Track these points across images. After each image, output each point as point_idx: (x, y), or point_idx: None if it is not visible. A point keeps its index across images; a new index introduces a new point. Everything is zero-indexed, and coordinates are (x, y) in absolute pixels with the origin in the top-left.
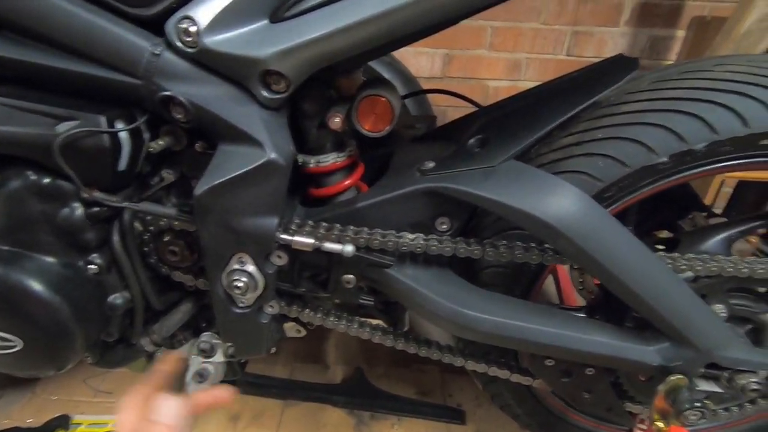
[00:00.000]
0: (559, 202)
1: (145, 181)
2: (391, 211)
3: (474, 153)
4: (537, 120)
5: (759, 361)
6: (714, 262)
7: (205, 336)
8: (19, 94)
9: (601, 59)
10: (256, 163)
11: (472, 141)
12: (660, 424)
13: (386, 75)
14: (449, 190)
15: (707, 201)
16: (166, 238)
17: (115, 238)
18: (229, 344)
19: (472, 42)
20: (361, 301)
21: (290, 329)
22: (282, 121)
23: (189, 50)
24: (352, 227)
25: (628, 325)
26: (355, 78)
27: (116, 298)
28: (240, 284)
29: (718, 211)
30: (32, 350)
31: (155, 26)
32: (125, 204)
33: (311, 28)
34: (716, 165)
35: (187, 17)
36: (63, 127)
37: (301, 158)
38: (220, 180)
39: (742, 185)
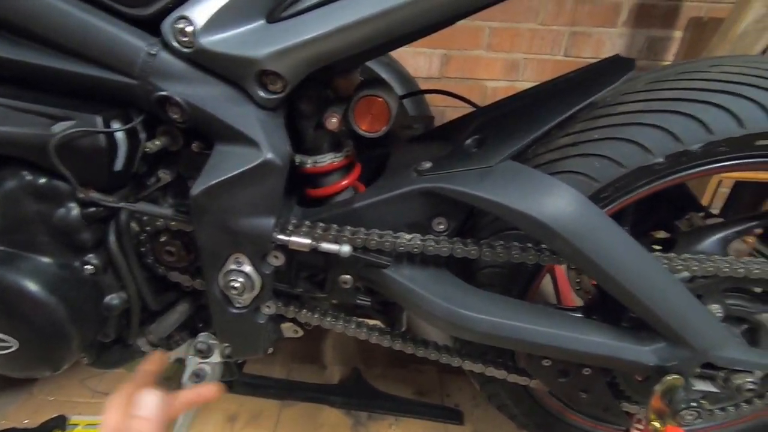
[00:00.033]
0: (556, 202)
1: (141, 182)
2: (388, 212)
3: (471, 153)
4: (534, 120)
5: (755, 361)
6: (710, 263)
7: (202, 336)
8: (15, 94)
9: (599, 59)
10: (253, 164)
11: (469, 141)
12: (656, 424)
13: (384, 75)
14: (446, 190)
15: (704, 201)
16: (163, 239)
17: (112, 238)
18: (226, 345)
19: (470, 42)
20: (359, 301)
21: (287, 329)
22: (279, 121)
23: (185, 50)
24: (349, 227)
25: (625, 325)
26: (353, 78)
27: (113, 299)
28: (237, 284)
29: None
30: (28, 351)
31: (151, 26)
32: (122, 204)
33: (308, 28)
34: (712, 165)
35: (184, 17)
36: (59, 128)
37: (298, 158)
38: (217, 180)
39: (739, 185)
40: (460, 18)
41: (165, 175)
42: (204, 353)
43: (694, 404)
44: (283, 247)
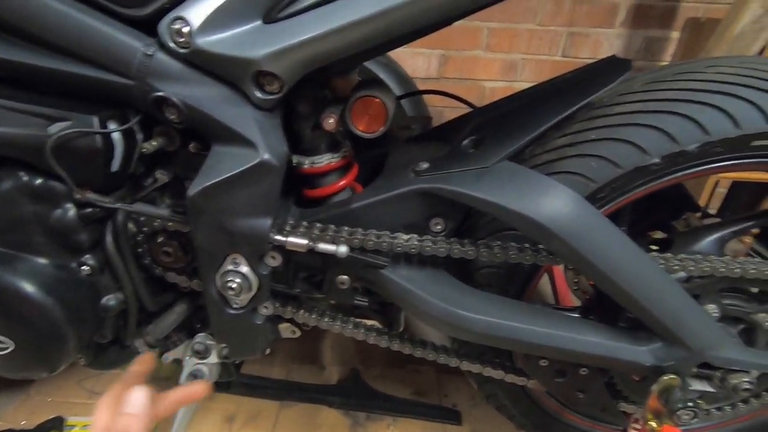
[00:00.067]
0: (552, 202)
1: (138, 182)
2: (386, 212)
3: (468, 154)
4: (531, 121)
5: (751, 361)
6: (706, 263)
7: (200, 337)
8: (11, 95)
9: (596, 60)
10: (250, 164)
11: (466, 142)
12: (653, 424)
13: (382, 75)
14: (443, 190)
15: (702, 202)
16: (160, 239)
17: (109, 239)
18: (224, 345)
19: (468, 43)
20: (356, 301)
21: (285, 330)
22: (276, 121)
23: (182, 51)
24: (346, 228)
25: (622, 325)
26: (350, 79)
27: (109, 300)
28: (234, 285)
29: (713, 211)
30: (24, 352)
31: (148, 27)
32: (118, 205)
33: (305, 29)
34: (709, 166)
35: (180, 18)
36: (55, 128)
37: (295, 159)
38: (214, 181)
39: (736, 186)
40: (458, 18)
41: (162, 176)
42: (201, 354)
43: (691, 404)
44: (281, 248)
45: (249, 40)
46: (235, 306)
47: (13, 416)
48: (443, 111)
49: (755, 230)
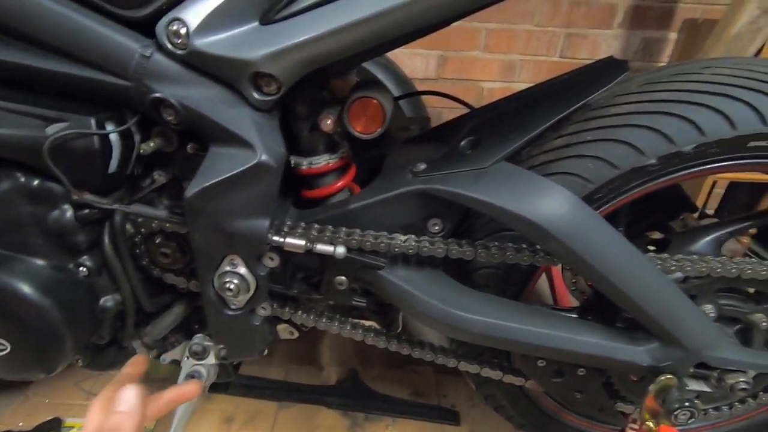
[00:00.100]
0: (549, 203)
1: (136, 183)
2: (383, 213)
3: (466, 154)
4: (528, 122)
5: (748, 361)
6: (703, 263)
7: (198, 338)
8: (8, 96)
9: (594, 61)
10: (247, 165)
11: (463, 142)
12: (650, 424)
13: (380, 76)
14: (440, 191)
15: (699, 202)
16: (158, 240)
17: (106, 240)
18: (221, 346)
19: (466, 43)
20: (354, 302)
21: (283, 331)
22: (273, 122)
23: (179, 52)
24: (344, 229)
25: (620, 325)
26: (348, 79)
27: (107, 301)
28: (231, 286)
29: (710, 212)
30: (21, 353)
31: (145, 28)
32: (116, 206)
33: (302, 30)
34: (705, 166)
35: (178, 19)
36: (53, 129)
37: (293, 160)
38: (211, 182)
39: (733, 186)
40: (456, 20)
41: (160, 177)
42: (199, 355)
43: (688, 404)
44: (278, 249)
45: (246, 42)
46: (233, 307)
47: (10, 418)
48: (441, 112)
49: (753, 230)
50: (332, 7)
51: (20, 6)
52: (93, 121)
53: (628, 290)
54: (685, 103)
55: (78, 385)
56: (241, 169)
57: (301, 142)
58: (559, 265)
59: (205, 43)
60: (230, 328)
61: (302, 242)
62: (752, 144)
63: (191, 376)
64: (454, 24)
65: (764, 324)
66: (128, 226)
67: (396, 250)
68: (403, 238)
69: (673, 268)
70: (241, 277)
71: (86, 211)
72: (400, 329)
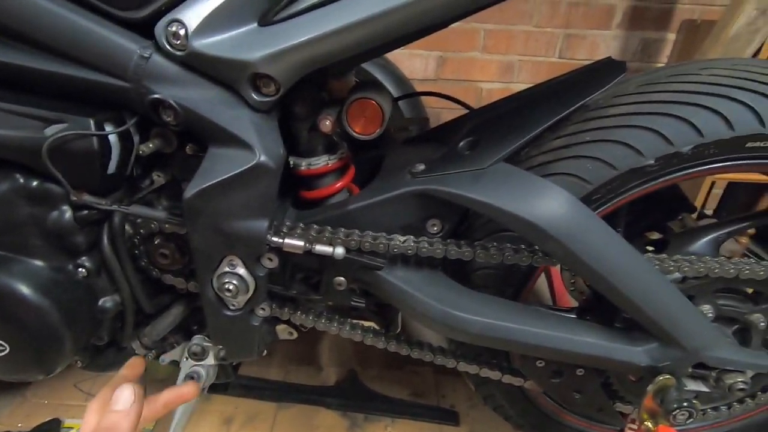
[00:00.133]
0: (547, 204)
1: (135, 184)
2: (382, 214)
3: (464, 155)
4: (526, 123)
5: (746, 361)
6: (701, 263)
7: (197, 339)
8: (7, 97)
9: (592, 61)
10: (246, 166)
11: (462, 143)
12: (649, 424)
13: (379, 77)
14: (439, 192)
15: (698, 202)
16: (157, 241)
17: (105, 241)
18: (221, 347)
19: (465, 44)
20: (353, 303)
21: (282, 331)
22: (272, 123)
23: (178, 53)
24: (343, 229)
25: (618, 326)
26: (347, 80)
27: (106, 302)
28: (230, 287)
29: (709, 212)
30: (19, 354)
31: (144, 29)
32: (115, 207)
33: (301, 32)
34: (703, 167)
35: (176, 20)
36: (52, 130)
37: (292, 160)
38: (210, 183)
39: (732, 187)
40: (455, 21)
41: (159, 178)
42: (198, 356)
43: (686, 404)
44: (277, 250)
45: (245, 43)
46: (232, 308)
47: (9, 419)
48: (440, 112)
49: (751, 231)
50: (331, 8)
51: (19, 7)
52: (92, 122)
53: (627, 291)
54: (683, 104)
55: (77, 386)
56: (240, 170)
57: (300, 143)
58: (558, 266)
59: (204, 44)
60: (229, 328)
61: (301, 243)
62: (750, 145)
63: (190, 376)
64: (453, 25)
65: (762, 324)
66: (127, 227)
67: (395, 250)
68: (401, 238)
69: (672, 268)
70: (240, 277)
71: (85, 212)
72: (399, 330)
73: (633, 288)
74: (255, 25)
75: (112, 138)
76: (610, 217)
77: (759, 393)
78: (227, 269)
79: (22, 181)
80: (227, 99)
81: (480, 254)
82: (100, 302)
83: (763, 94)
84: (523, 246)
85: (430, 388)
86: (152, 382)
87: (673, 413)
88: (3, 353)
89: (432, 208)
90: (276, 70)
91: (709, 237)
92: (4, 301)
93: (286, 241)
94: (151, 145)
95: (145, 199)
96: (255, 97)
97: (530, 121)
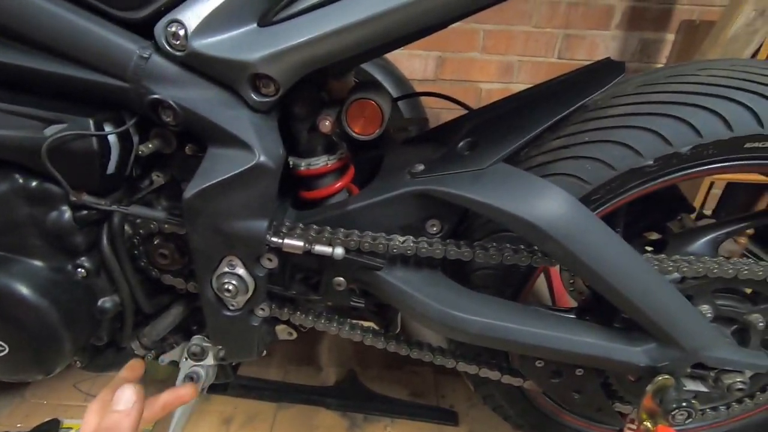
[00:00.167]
0: (546, 204)
1: (134, 184)
2: (382, 214)
3: (464, 156)
4: (526, 123)
5: (745, 361)
6: (700, 264)
7: (196, 339)
8: (7, 97)
9: (591, 62)
10: (246, 166)
11: (461, 144)
12: (648, 424)
13: (379, 77)
14: (438, 192)
15: (697, 203)
16: (156, 241)
17: (105, 241)
18: (220, 347)
19: (464, 45)
20: (353, 303)
21: (282, 332)
22: (272, 123)
23: (178, 54)
24: (342, 230)
25: (618, 326)
26: (347, 81)
27: (105, 302)
28: (230, 287)
29: (708, 213)
30: (19, 355)
31: (144, 29)
32: (114, 207)
33: (300, 32)
34: (702, 167)
35: (176, 20)
36: (51, 130)
37: (292, 161)
38: (210, 183)
39: (730, 187)
40: (454, 21)
41: (158, 178)
42: (198, 356)
43: (685, 404)
44: (277, 250)
45: (245, 43)
46: (231, 308)
47: (8, 419)
48: (440, 113)
49: (750, 231)
50: (331, 8)
51: (19, 7)
52: (91, 123)
53: (626, 291)
54: (682, 105)
55: (76, 386)
56: (240, 170)
57: (299, 143)
58: (557, 266)
59: (204, 44)
60: (229, 329)
61: (301, 243)
62: (749, 145)
63: (190, 377)
64: (453, 25)
65: (761, 324)
66: (127, 227)
67: (394, 251)
68: (401, 239)
69: (671, 268)
70: (239, 278)
71: (84, 212)
72: (398, 330)
73: (632, 288)
74: (254, 25)
75: (112, 138)
76: (609, 217)
77: (758, 393)
78: (227, 269)
79: (21, 181)
80: (227, 99)
81: (479, 254)
82: (100, 302)
83: (761, 95)
84: (522, 246)
85: (430, 388)
86: (152, 382)
87: (672, 413)
88: (2, 353)
89: (431, 208)
90: (275, 71)
91: (708, 237)
92: (4, 302)
93: (286, 241)
94: (150, 146)
95: (145, 200)
96: (254, 97)
97: (530, 122)
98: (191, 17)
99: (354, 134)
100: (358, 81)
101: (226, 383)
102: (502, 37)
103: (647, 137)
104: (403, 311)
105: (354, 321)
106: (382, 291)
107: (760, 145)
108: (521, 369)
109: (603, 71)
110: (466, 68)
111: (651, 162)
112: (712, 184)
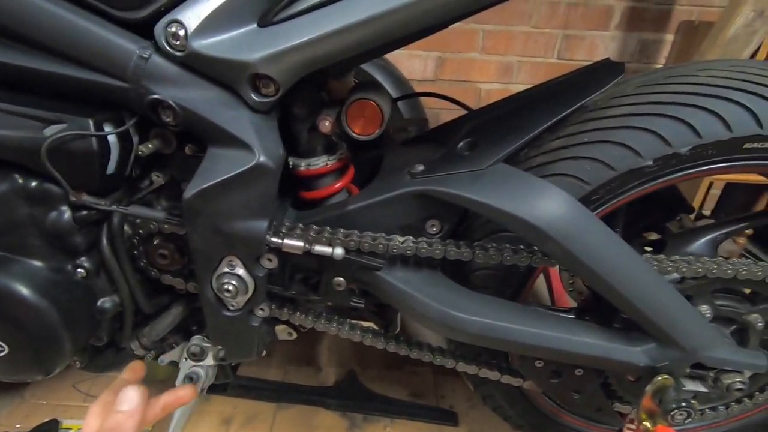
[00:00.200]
0: (546, 204)
1: (134, 185)
2: (382, 214)
3: (463, 156)
4: (525, 123)
5: (744, 361)
6: (699, 264)
7: (196, 339)
8: (7, 98)
9: (591, 62)
10: (246, 167)
11: (461, 144)
12: (647, 424)
13: (379, 77)
14: (438, 192)
15: (696, 203)
16: (156, 242)
17: (104, 241)
18: (220, 348)
19: (464, 45)
20: (352, 303)
21: (281, 332)
22: (272, 124)
23: (178, 54)
24: (342, 230)
25: (617, 326)
26: (346, 81)
27: (105, 302)
28: (230, 287)
29: (707, 213)
30: (19, 355)
31: (144, 29)
32: (114, 207)
33: (300, 32)
34: (701, 168)
35: (176, 21)
36: (51, 131)
37: (292, 161)
38: (210, 183)
39: (729, 187)
40: (454, 22)
41: (158, 178)
42: (197, 356)
43: (685, 404)
44: (277, 250)
45: (245, 44)
46: (231, 308)
47: (7, 420)
48: (439, 113)
49: (749, 231)
50: (331, 9)
51: (18, 7)
52: (91, 123)
53: (625, 291)
54: (681, 106)
55: (75, 386)
56: (240, 170)
57: (299, 144)
58: (557, 266)
59: (204, 44)
60: (228, 329)
61: (300, 243)
62: (748, 146)
63: (189, 377)
64: (452, 26)
65: (760, 324)
66: (126, 228)
67: (394, 251)
68: (401, 239)
69: (670, 269)
70: (239, 278)
71: (84, 212)
72: (398, 330)
73: (631, 288)
74: (255, 25)
75: (112, 138)
76: (609, 217)
77: (757, 393)
78: (226, 270)
79: (21, 181)
80: (227, 99)
81: (479, 255)
82: (99, 303)
83: (760, 96)
84: (522, 246)
85: (430, 388)
86: (151, 382)
87: (672, 413)
88: (2, 354)
89: (431, 208)
90: (275, 71)
91: (707, 237)
92: (4, 302)
93: (286, 241)
94: (150, 146)
95: (145, 200)
96: (254, 97)
97: (529, 122)
98: (191, 17)
99: (354, 134)
100: (357, 81)
101: (226, 383)
102: (501, 37)
103: (647, 138)
104: (402, 311)
105: (354, 321)
106: (382, 291)
107: (759, 145)
108: (521, 369)
109: (602, 72)
110: (465, 68)
111: (650, 162)
112: (711, 185)
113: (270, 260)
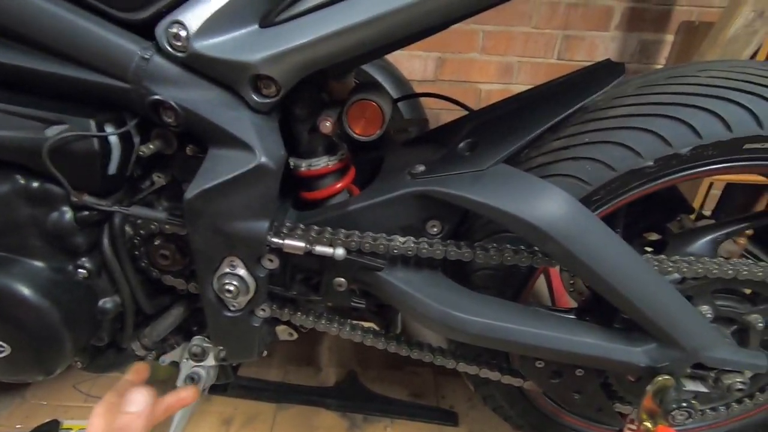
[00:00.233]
0: (547, 205)
1: (135, 185)
2: (382, 215)
3: (464, 156)
4: (526, 124)
5: (744, 361)
6: (699, 264)
7: (196, 340)
8: (8, 98)
9: (591, 63)
10: (247, 167)
11: (462, 144)
12: (648, 424)
13: (379, 78)
14: (439, 193)
15: (696, 203)
16: (157, 242)
17: (105, 242)
18: (221, 348)
19: (464, 45)
20: (353, 303)
21: (282, 332)
22: (273, 124)
23: (179, 54)
24: (343, 230)
25: (618, 326)
26: (347, 82)
27: (106, 303)
28: (231, 288)
29: (707, 213)
30: (20, 355)
31: (145, 30)
32: (115, 208)
33: (301, 33)
34: (702, 168)
35: (177, 22)
36: (52, 131)
37: (292, 161)
38: (211, 184)
39: (730, 188)
40: (454, 22)
41: (159, 179)
42: (198, 357)
43: (685, 404)
44: (278, 251)
45: (246, 44)
46: (232, 308)
47: (8, 420)
48: (440, 113)
49: (749, 231)
50: (332, 10)
51: (19, 8)
52: (92, 124)
53: (626, 291)
54: (681, 106)
55: (76, 387)
56: (241, 171)
57: (300, 144)
58: (557, 267)
59: (205, 45)
60: (229, 329)
61: (301, 244)
62: (748, 146)
63: (191, 377)
64: (452, 26)
65: (760, 324)
66: (127, 228)
67: (395, 251)
68: (401, 239)
69: (670, 269)
70: (240, 278)
71: (85, 212)
72: (399, 330)
73: (632, 289)
74: (256, 26)
75: (113, 139)
76: (610, 218)
77: (757, 393)
78: (228, 270)
79: (22, 182)
80: (228, 100)
81: (480, 255)
82: (100, 303)
83: (760, 96)
84: (522, 247)
85: (430, 388)
86: (152, 383)
87: (672, 413)
88: (4, 354)
89: (432, 209)
90: (277, 72)
91: (708, 238)
92: (5, 302)
93: (287, 242)
94: (151, 146)
95: (146, 200)
96: (255, 98)
97: (530, 123)
98: (192, 18)
99: (355, 135)
100: (358, 82)
101: (227, 384)
102: (501, 37)
103: (647, 138)
104: (403, 312)
105: (354, 322)
106: (383, 291)
107: (760, 146)
108: (521, 369)
109: (603, 72)
110: (465, 69)
111: (651, 163)
112: (711, 185)
113: (271, 261)
